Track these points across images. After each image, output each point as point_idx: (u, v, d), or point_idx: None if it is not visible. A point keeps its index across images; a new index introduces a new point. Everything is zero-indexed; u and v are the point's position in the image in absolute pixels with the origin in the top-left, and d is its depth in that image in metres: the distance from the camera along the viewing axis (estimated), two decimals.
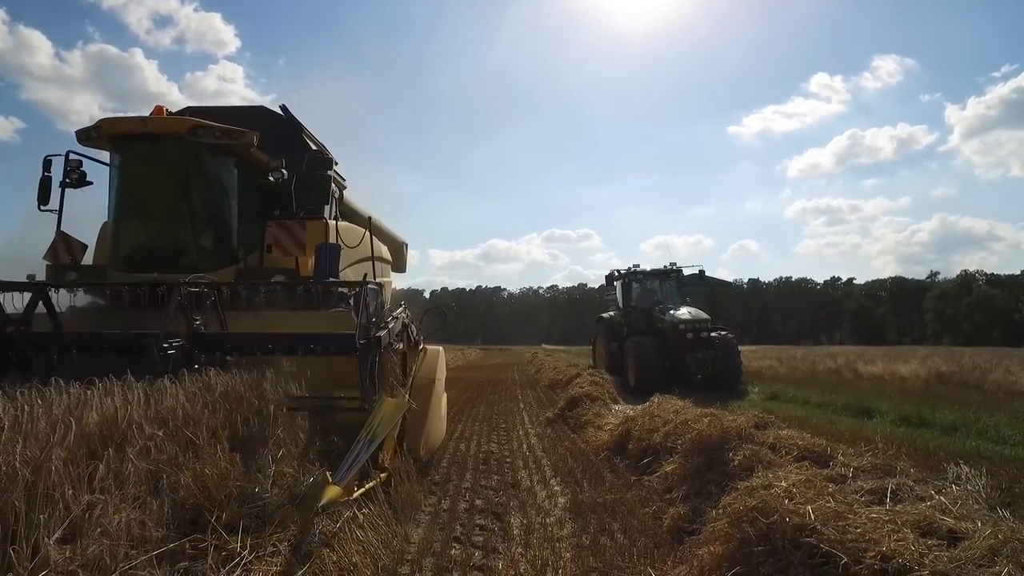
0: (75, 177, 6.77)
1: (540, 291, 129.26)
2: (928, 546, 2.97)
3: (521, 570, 4.14)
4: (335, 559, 3.67)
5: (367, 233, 8.42)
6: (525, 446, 8.97)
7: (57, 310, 5.44)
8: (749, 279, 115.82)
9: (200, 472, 3.40)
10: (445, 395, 8.39)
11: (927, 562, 2.82)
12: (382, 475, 5.03)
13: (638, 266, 19.23)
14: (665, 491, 5.42)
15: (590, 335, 23.59)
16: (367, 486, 4.48)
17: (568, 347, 53.52)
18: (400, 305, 6.60)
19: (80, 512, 2.67)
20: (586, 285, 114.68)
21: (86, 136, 6.54)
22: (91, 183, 6.92)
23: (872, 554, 2.93)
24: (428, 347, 7.56)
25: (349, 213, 9.23)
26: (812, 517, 3.20)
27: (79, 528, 2.65)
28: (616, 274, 19.47)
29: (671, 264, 18.95)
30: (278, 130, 7.47)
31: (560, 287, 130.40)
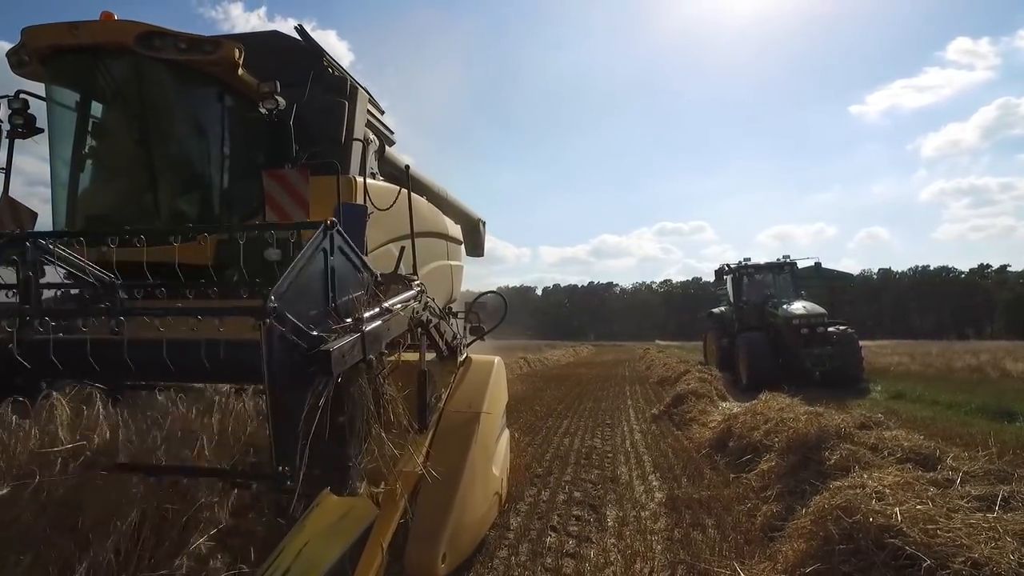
0: (19, 124, 4.94)
1: (653, 286, 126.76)
2: None
3: (611, 559, 4.35)
4: None
5: (416, 197, 6.14)
6: (628, 442, 9.09)
7: None
8: (879, 269, 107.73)
9: None
10: (507, 435, 5.51)
11: None
12: None
13: (749, 260, 18.61)
14: (761, 489, 5.41)
15: (702, 331, 23.07)
16: None
17: (682, 343, 52.30)
18: (414, 286, 3.96)
19: None
20: (700, 279, 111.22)
21: (17, 61, 4.81)
22: (42, 130, 5.14)
23: (961, 559, 2.90)
24: (476, 358, 4.97)
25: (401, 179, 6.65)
26: (899, 518, 3.18)
27: None
28: (726, 268, 18.98)
29: (784, 257, 18.19)
30: (294, 59, 5.71)
31: (674, 281, 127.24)
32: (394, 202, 5.28)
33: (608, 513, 5.52)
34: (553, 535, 4.92)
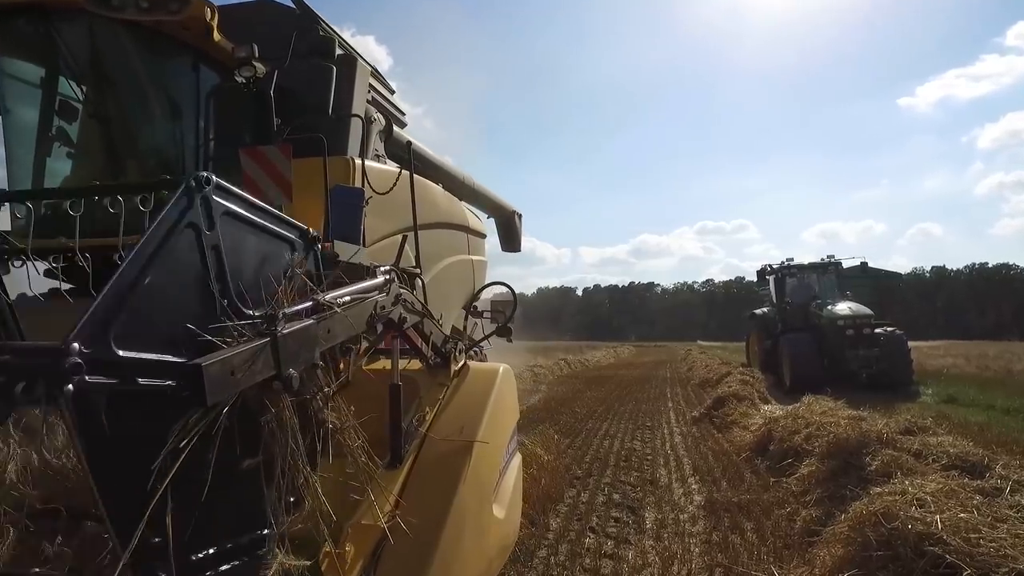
0: None
1: (695, 286, 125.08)
2: None
3: (649, 560, 4.41)
4: None
5: (427, 183, 5.93)
6: (668, 445, 9.08)
7: None
8: (933, 267, 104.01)
9: None
10: (518, 463, 4.12)
11: None
12: None
13: (792, 259, 18.27)
14: (801, 493, 5.38)
15: (744, 332, 22.72)
16: None
17: (725, 344, 51.45)
18: (379, 274, 2.99)
19: None
20: (744, 278, 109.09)
21: None
22: None
23: (1005, 570, 2.88)
24: (475, 366, 3.86)
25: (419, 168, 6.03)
26: (940, 526, 3.17)
27: None
28: (769, 269, 18.68)
29: (829, 256, 17.81)
30: (287, 31, 4.97)
31: (716, 281, 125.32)
32: (394, 185, 4.64)
33: (647, 515, 5.57)
34: (592, 536, 4.99)
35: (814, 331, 16.02)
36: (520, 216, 10.17)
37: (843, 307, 15.91)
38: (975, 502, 3.67)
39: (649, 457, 8.18)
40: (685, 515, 5.51)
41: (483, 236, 8.73)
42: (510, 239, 10.05)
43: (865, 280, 19.50)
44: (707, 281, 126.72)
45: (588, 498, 6.14)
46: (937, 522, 3.18)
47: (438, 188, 6.77)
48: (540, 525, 5.13)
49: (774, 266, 18.53)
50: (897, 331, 15.51)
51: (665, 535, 4.97)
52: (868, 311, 15.65)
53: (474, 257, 7.96)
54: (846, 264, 17.89)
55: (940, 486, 3.91)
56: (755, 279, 20.39)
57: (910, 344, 15.58)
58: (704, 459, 7.84)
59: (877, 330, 15.38)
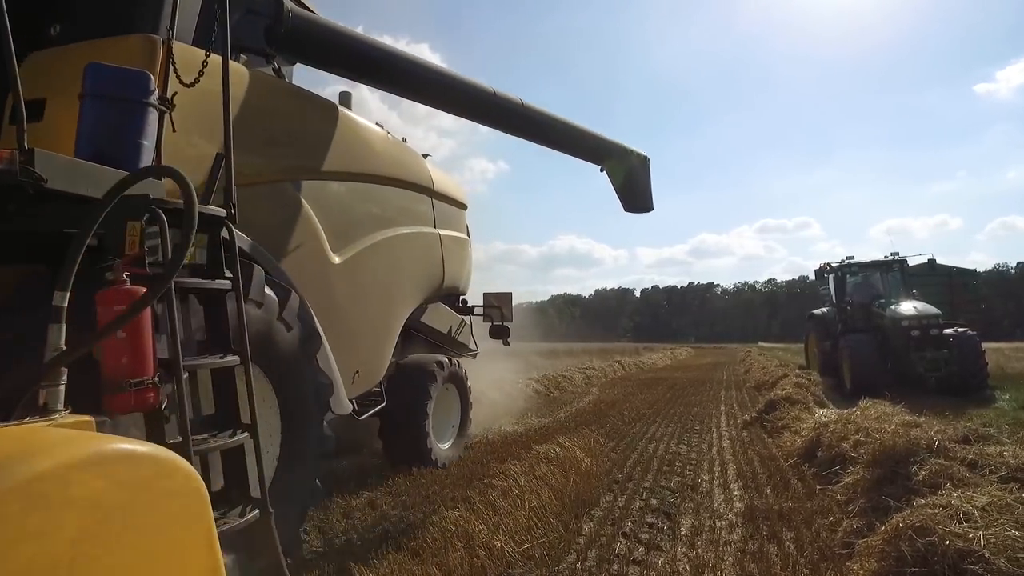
0: None
1: (756, 286, 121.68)
2: None
3: (679, 568, 4.29)
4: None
5: (351, 116, 4.88)
6: (715, 449, 8.84)
7: None
8: (1018, 263, 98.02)
9: None
10: None
11: None
12: None
13: (852, 257, 17.53)
14: (847, 502, 5.13)
15: (804, 334, 21.95)
16: None
17: (788, 345, 49.86)
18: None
19: None
20: (807, 278, 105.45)
21: None
22: None
23: None
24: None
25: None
26: (982, 543, 2.96)
27: None
28: (828, 267, 17.99)
29: (893, 254, 16.99)
30: None
31: (778, 280, 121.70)
32: (199, 75, 2.95)
33: (683, 522, 5.43)
34: (623, 541, 4.90)
35: (876, 332, 15.33)
36: (647, 160, 7.85)
37: (908, 307, 15.16)
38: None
39: (693, 461, 7.98)
40: (723, 522, 5.34)
41: (460, 206, 7.32)
42: (635, 192, 7.75)
43: (935, 278, 18.54)
44: (769, 281, 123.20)
45: (625, 503, 6.03)
46: (980, 539, 2.97)
47: (378, 130, 5.48)
48: (572, 530, 5.07)
49: (833, 264, 17.84)
50: (969, 332, 14.66)
51: (699, 542, 4.83)
52: (935, 311, 14.85)
53: (444, 232, 6.65)
54: (913, 262, 17.06)
55: (992, 499, 3.66)
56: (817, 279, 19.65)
57: (989, 346, 14.71)
58: (750, 464, 7.60)
59: (947, 331, 14.56)
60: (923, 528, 3.13)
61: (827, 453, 6.76)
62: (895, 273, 16.84)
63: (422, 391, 6.67)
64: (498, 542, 4.47)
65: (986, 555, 2.85)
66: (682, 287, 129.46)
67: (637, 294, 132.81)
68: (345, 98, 5.04)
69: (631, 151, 7.67)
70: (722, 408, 13.68)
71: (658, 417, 12.21)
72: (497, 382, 15.86)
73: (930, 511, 3.34)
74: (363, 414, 5.59)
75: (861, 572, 3.30)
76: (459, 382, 7.72)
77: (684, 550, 4.69)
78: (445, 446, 7.43)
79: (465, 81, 5.71)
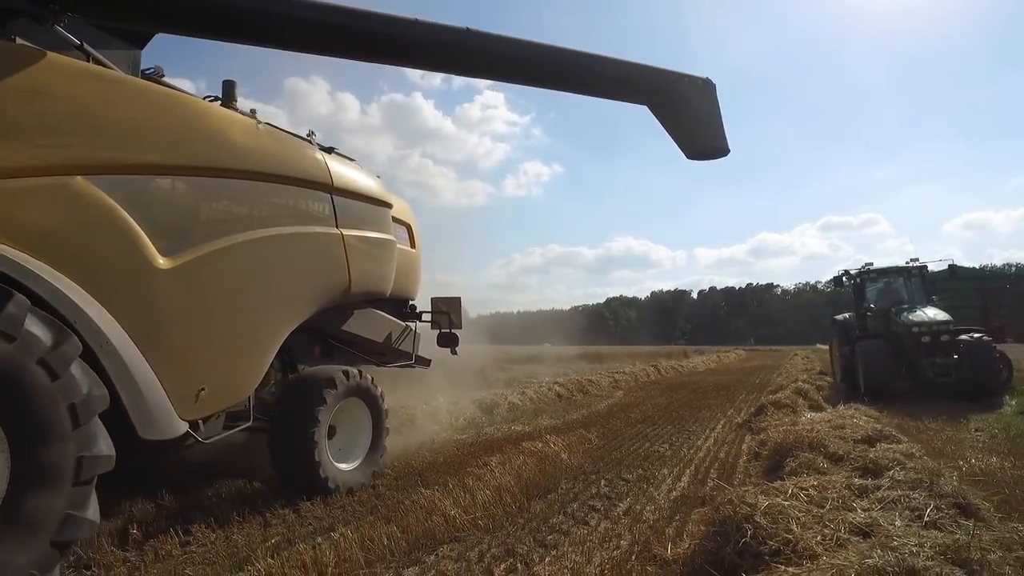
0: None
1: (819, 285, 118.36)
2: None
3: (591, 537, 5.41)
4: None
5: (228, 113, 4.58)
6: (693, 449, 9.76)
7: None
8: None
9: None
10: None
11: None
12: None
13: (871, 264, 17.99)
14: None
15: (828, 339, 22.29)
16: None
17: None
18: None
19: None
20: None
21: None
22: None
23: (778, 539, 3.70)
24: None
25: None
26: (760, 510, 3.98)
27: None
28: (847, 273, 18.46)
29: (912, 260, 17.34)
30: None
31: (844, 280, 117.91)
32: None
33: (620, 505, 6.50)
34: (560, 517, 6.02)
35: (892, 338, 15.77)
36: (709, 85, 5.81)
37: (921, 313, 15.56)
38: (834, 495, 4.39)
39: (666, 458, 8.95)
40: (652, 506, 6.39)
41: (381, 204, 6.65)
42: (697, 130, 5.86)
43: (965, 283, 18.69)
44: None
45: (580, 489, 7.12)
46: (760, 506, 4.00)
47: (243, 119, 4.96)
48: (522, 507, 6.21)
49: (852, 271, 18.32)
50: (984, 338, 14.93)
51: (623, 521, 5.91)
52: (946, 317, 15.20)
53: (351, 232, 6.11)
54: (933, 267, 17.37)
55: (818, 482, 4.65)
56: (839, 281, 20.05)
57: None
58: (714, 461, 8.54)
59: (961, 336, 14.89)
60: (730, 501, 4.17)
61: (772, 450, 7.69)
62: (916, 279, 17.18)
63: (313, 405, 6.00)
64: (453, 512, 5.71)
65: (756, 518, 3.88)
66: (740, 288, 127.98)
67: (694, 295, 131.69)
68: (228, 87, 4.69)
69: (683, 76, 5.80)
70: (730, 412, 14.41)
71: (663, 420, 13.05)
72: (521, 385, 17.06)
73: (749, 488, 4.38)
74: (210, 436, 4.93)
75: (692, 528, 4.36)
76: (368, 397, 6.83)
77: (607, 525, 5.80)
78: (347, 467, 6.62)
79: (396, 18, 4.61)
